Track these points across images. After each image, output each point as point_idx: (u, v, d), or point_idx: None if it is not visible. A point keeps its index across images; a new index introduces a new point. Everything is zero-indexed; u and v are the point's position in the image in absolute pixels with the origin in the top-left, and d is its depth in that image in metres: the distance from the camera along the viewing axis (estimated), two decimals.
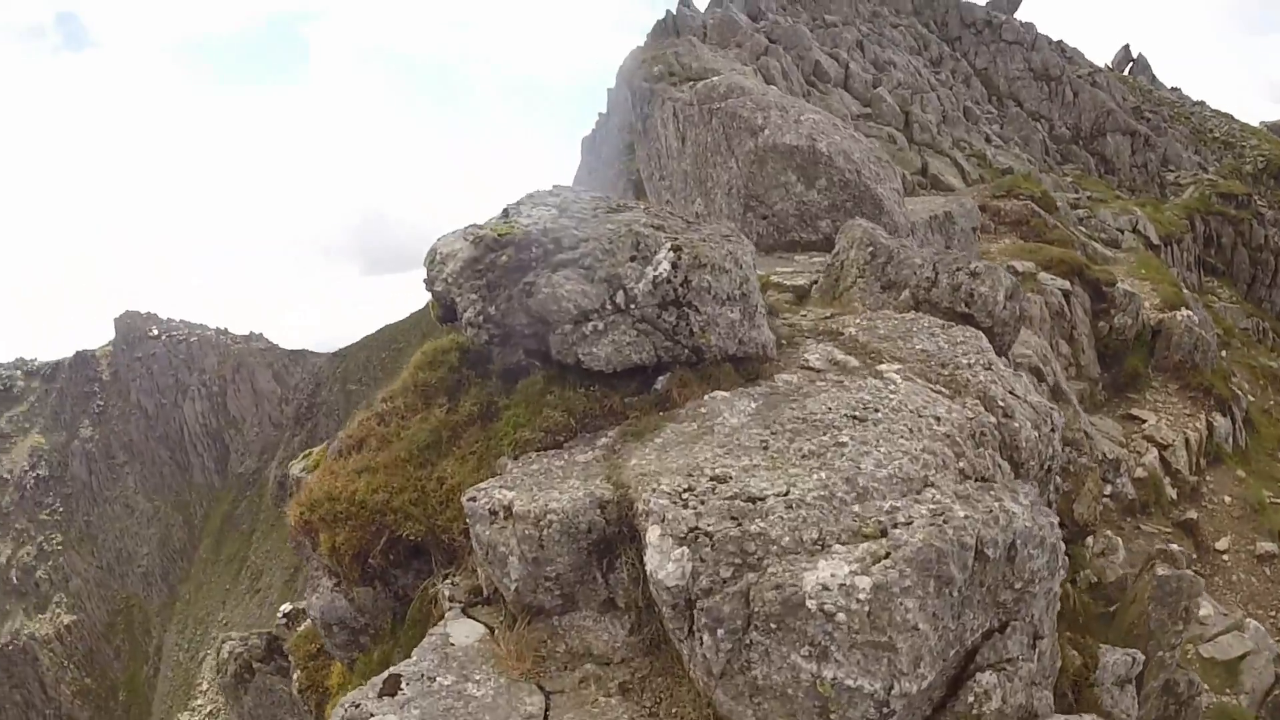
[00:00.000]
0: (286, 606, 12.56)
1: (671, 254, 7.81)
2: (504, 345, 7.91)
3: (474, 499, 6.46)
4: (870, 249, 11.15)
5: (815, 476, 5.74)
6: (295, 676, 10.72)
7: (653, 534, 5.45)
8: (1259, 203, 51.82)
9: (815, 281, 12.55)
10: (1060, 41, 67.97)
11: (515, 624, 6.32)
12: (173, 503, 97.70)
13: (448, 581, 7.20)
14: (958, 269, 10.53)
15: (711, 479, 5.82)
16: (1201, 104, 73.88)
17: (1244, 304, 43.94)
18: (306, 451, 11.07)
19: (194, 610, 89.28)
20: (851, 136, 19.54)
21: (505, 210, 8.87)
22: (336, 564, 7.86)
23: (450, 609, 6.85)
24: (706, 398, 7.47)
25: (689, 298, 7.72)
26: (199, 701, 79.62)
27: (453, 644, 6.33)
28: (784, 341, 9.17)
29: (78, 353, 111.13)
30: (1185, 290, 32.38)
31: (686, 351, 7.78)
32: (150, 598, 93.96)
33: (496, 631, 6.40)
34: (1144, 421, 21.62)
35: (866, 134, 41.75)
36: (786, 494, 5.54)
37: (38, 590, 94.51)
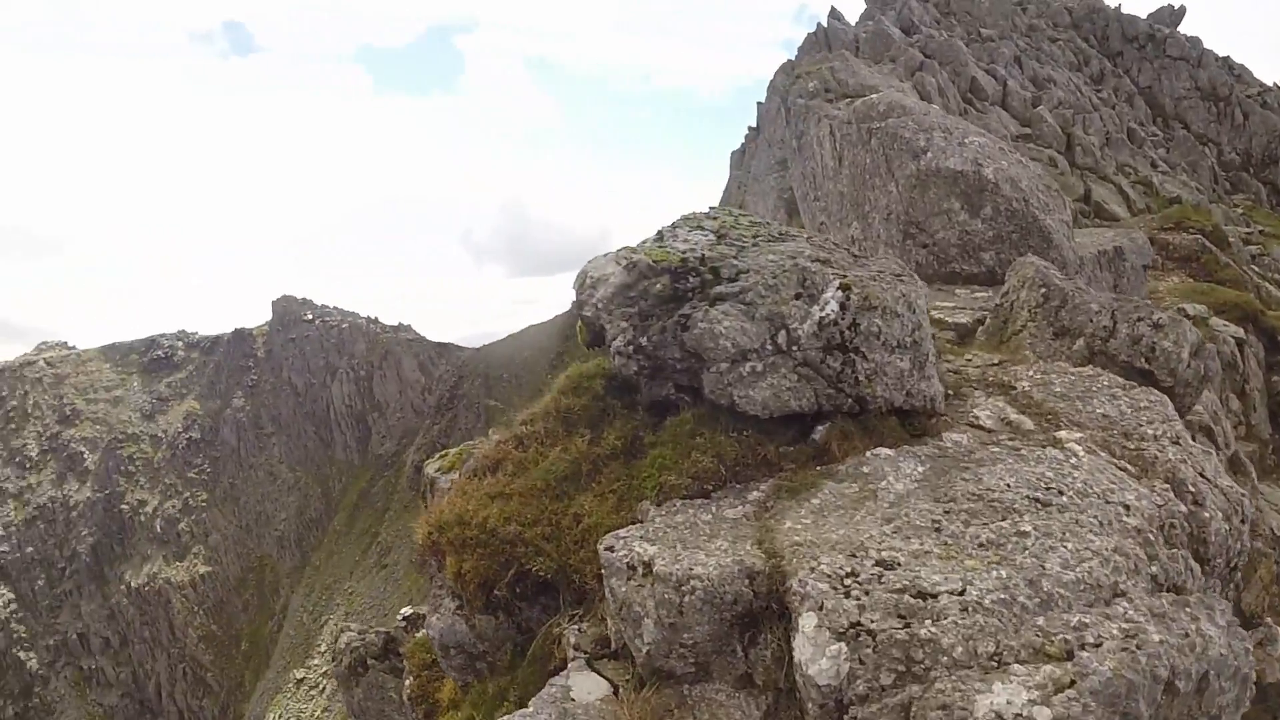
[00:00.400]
0: (407, 610, 12.37)
1: (840, 293, 7.19)
2: (653, 378, 7.39)
3: (612, 549, 5.96)
4: (1043, 290, 10.31)
5: (994, 574, 5.06)
6: (407, 683, 10.47)
7: (807, 622, 4.86)
8: None
9: (980, 320, 11.70)
10: (1227, 58, 62.69)
11: (642, 687, 5.78)
12: (313, 475, 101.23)
13: (574, 626, 6.71)
14: (1139, 319, 9.65)
15: (877, 563, 5.19)
16: None
17: None
18: (443, 451, 10.78)
19: (322, 577, 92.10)
20: (1019, 162, 18.42)
21: (660, 233, 8.37)
22: (461, 589, 7.48)
23: (574, 658, 6.36)
24: (869, 454, 6.83)
25: (856, 342, 7.08)
26: (315, 661, 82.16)
27: (573, 699, 5.85)
28: (949, 391, 8.44)
29: (236, 330, 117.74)
30: None
31: (849, 401, 7.13)
32: (283, 559, 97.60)
33: (621, 691, 5.88)
34: None
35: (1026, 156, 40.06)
36: (962, 593, 4.88)
37: (178, 540, 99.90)
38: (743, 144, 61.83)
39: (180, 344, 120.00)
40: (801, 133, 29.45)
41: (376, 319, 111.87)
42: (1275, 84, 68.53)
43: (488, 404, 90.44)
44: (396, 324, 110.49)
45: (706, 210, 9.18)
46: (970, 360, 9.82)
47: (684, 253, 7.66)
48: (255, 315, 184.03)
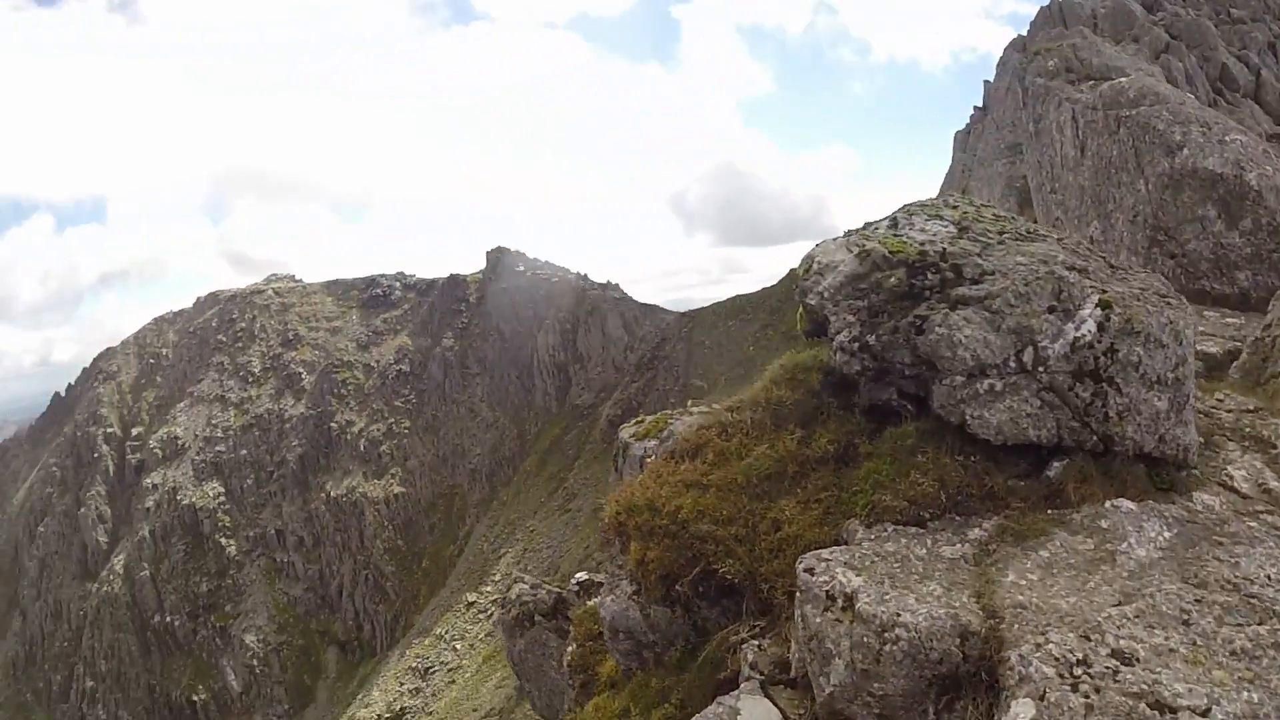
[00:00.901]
0: (582, 575, 12.07)
1: (1099, 311, 6.25)
2: (876, 381, 6.65)
3: (812, 570, 5.29)
4: None
5: (1245, 695, 4.10)
6: (570, 649, 10.15)
7: (1022, 710, 4.10)
8: None
9: (1232, 352, 10.47)
10: None
11: None
12: (511, 417, 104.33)
13: (754, 641, 6.10)
14: None
15: (1113, 653, 4.31)
16: None
17: None
18: (640, 417, 10.31)
19: (507, 512, 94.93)
20: None
21: (894, 219, 7.53)
22: (641, 576, 6.99)
23: (749, 677, 5.76)
24: (1109, 504, 5.89)
25: (1111, 371, 6.12)
26: (487, 589, 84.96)
27: None
28: (1200, 436, 7.32)
29: (451, 275, 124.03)
30: None
31: (1094, 438, 6.18)
32: (472, 491, 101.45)
33: None
34: None
35: None
36: (1206, 713, 3.97)
37: (379, 460, 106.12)
38: (968, 124, 58.03)
39: (398, 284, 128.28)
40: (1039, 116, 26.78)
41: (585, 275, 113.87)
42: None
43: (687, 369, 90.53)
44: (605, 281, 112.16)
45: (944, 199, 8.27)
46: (1222, 402, 8.66)
47: (922, 245, 6.85)
48: (470, 264, 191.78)
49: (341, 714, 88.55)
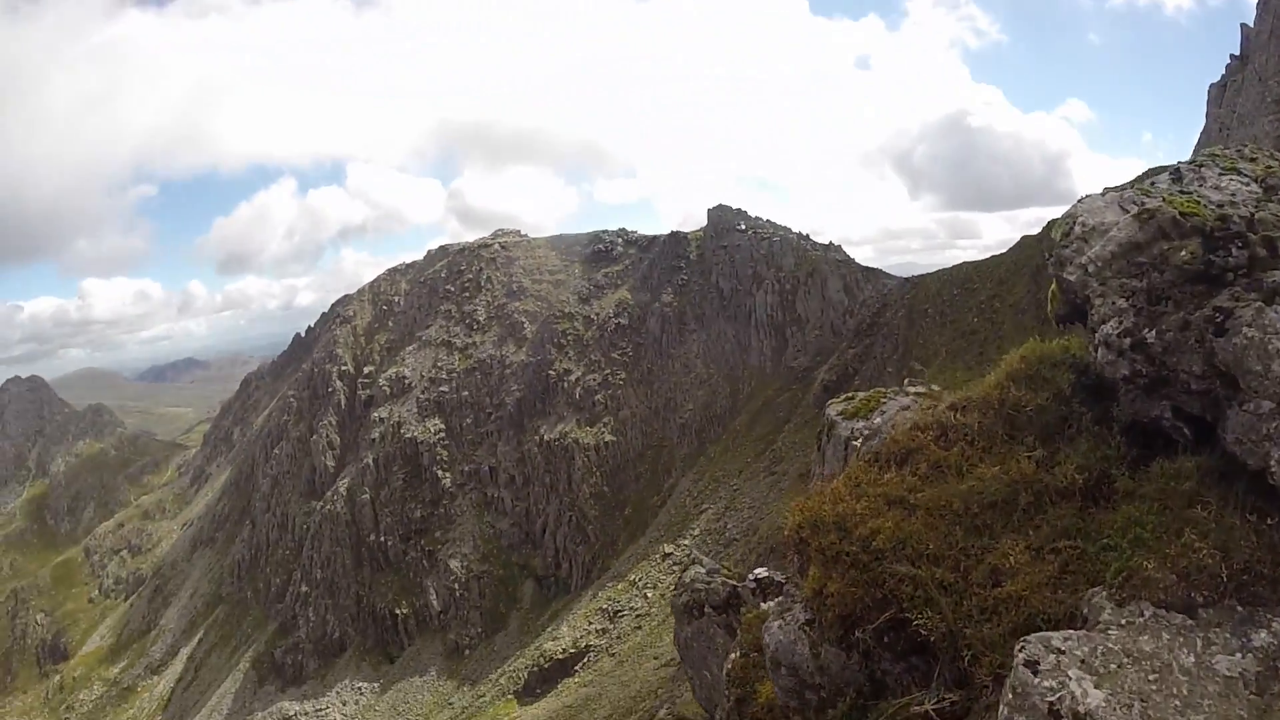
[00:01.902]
0: (761, 572, 10.65)
1: None
2: (1149, 392, 4.86)
3: (1034, 665, 3.70)
4: None
5: None
6: (732, 657, 8.83)
7: None
8: None
9: None
10: None
11: None
12: (725, 374, 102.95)
13: None
14: None
15: None
16: None
17: None
18: (851, 393, 8.79)
19: (713, 468, 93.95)
20: None
21: (1178, 172, 5.64)
22: (818, 609, 5.52)
23: None
24: None
25: None
26: (685, 541, 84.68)
27: None
28: None
29: (672, 232, 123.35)
30: None
31: None
32: (681, 445, 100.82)
33: None
34: None
35: None
36: None
37: (592, 409, 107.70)
38: (1223, 76, 50.17)
39: (620, 240, 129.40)
40: None
41: (808, 236, 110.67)
42: None
43: (908, 337, 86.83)
44: (827, 243, 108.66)
45: (1239, 147, 6.27)
46: None
47: (1220, 207, 4.99)
48: (691, 221, 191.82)
49: (530, 643, 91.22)
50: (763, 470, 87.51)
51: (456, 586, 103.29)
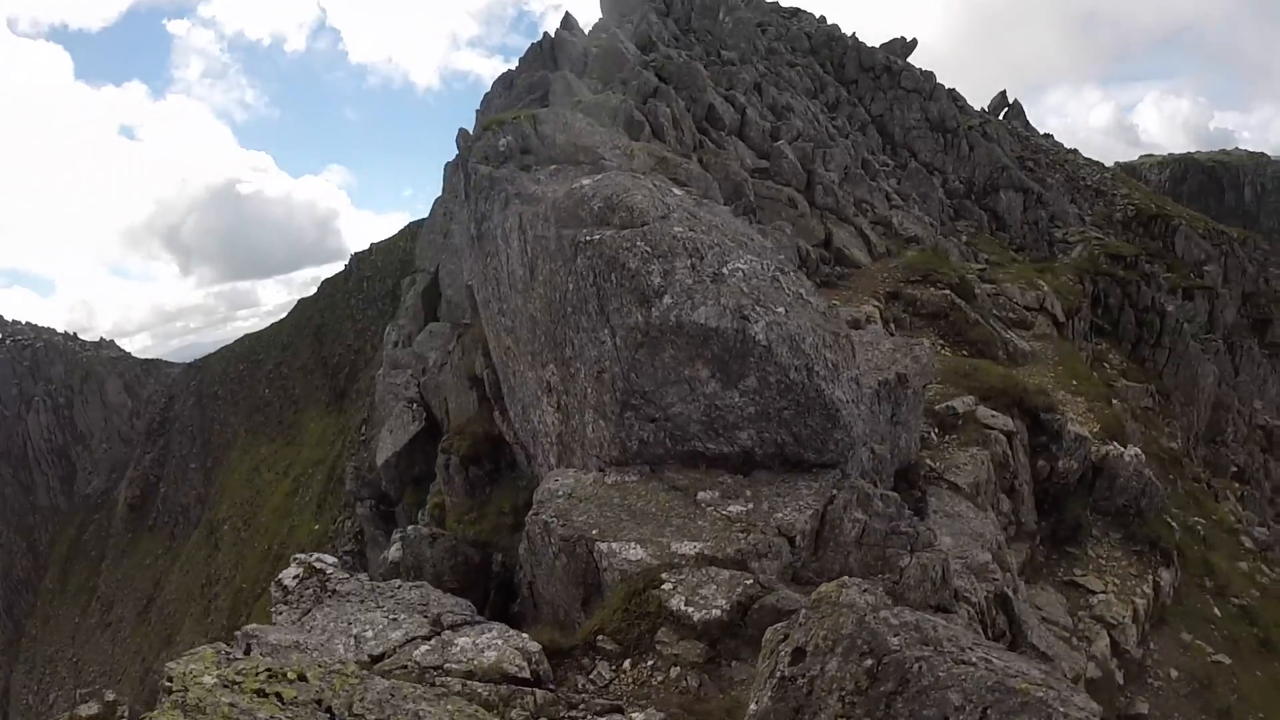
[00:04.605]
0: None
1: None
2: None
3: None
4: (868, 661, 5.44)
5: None
6: None
7: None
8: (1145, 263, 49.34)
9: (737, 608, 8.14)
10: (952, 90, 61.43)
11: None
12: (15, 527, 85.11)
13: None
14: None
15: None
16: (1075, 152, 69.62)
17: (1129, 365, 41.61)
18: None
19: (41, 648, 77.97)
20: (800, 299, 11.81)
21: None
22: None
23: None
24: None
25: None
26: None
27: None
28: None
29: None
30: (1120, 410, 29.55)
31: None
32: None
33: None
34: (1091, 593, 18.17)
35: (763, 194, 34.70)
36: None
37: None
38: (446, 175, 41.88)
39: None
40: (484, 216, 19.92)
41: (75, 335, 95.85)
42: (982, 109, 67.65)
43: (203, 426, 78.86)
44: (98, 340, 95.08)
45: None
46: None
47: None
48: None
49: None
50: (96, 625, 74.37)
51: None
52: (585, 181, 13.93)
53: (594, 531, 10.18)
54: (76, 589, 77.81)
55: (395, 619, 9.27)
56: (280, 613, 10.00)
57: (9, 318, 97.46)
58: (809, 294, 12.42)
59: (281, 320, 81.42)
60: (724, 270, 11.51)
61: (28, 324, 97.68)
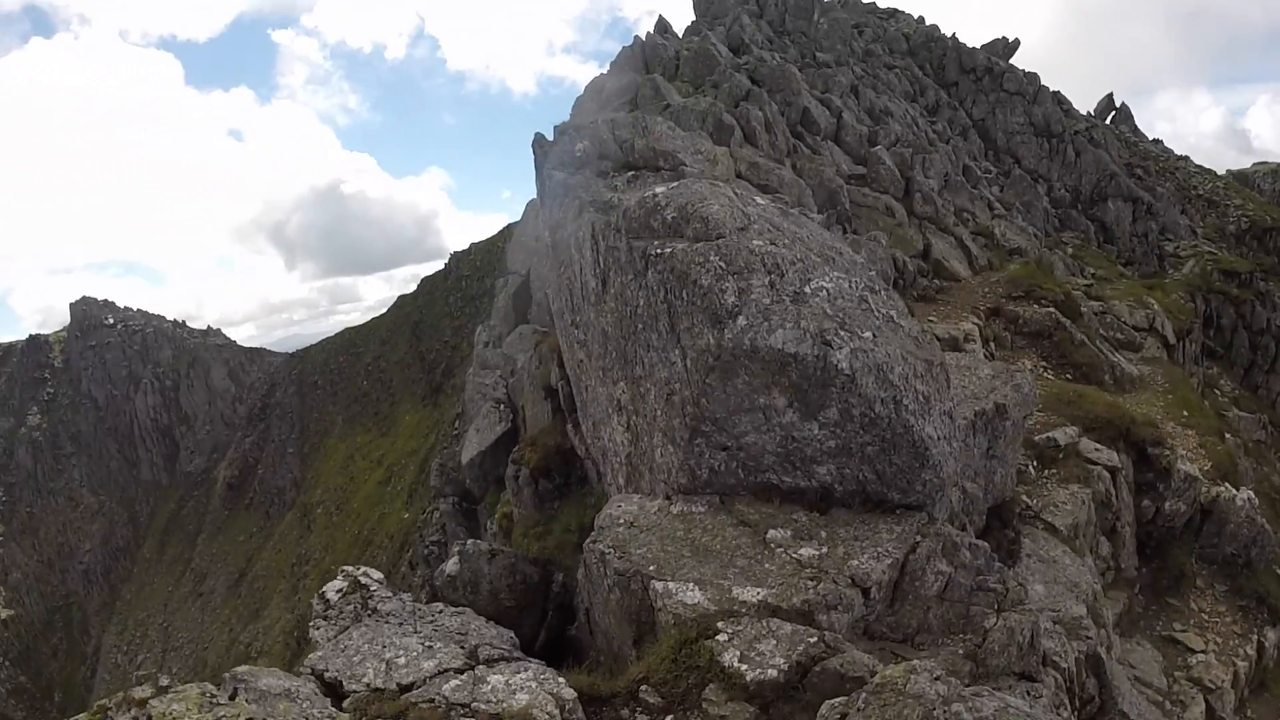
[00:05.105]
0: None
1: None
2: None
3: None
4: None
5: None
6: None
7: None
8: (1260, 280, 46.45)
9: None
10: (1057, 92, 58.66)
11: None
12: (118, 499, 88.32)
13: None
14: None
15: None
16: (1185, 159, 65.83)
17: (1241, 392, 39.65)
18: None
19: (134, 612, 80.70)
20: (890, 322, 10.65)
21: None
22: None
23: None
24: None
25: None
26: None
27: None
28: None
29: (31, 337, 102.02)
30: (1233, 445, 26.46)
31: None
32: (90, 596, 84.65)
33: None
34: (1191, 651, 16.63)
35: (859, 201, 33.46)
36: None
37: None
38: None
39: None
40: (558, 224, 19.14)
41: (184, 322, 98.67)
42: (1087, 113, 64.67)
43: (301, 413, 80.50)
44: (205, 328, 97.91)
45: None
46: None
47: None
48: (55, 319, 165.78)
49: None
50: (188, 595, 76.66)
51: None
52: (659, 190, 12.99)
53: (651, 568, 9.36)
54: (172, 560, 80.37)
55: (431, 647, 8.78)
56: (319, 627, 9.67)
57: (121, 304, 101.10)
58: (900, 316, 11.30)
59: (381, 315, 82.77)
60: (806, 289, 10.46)
61: (139, 310, 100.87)
